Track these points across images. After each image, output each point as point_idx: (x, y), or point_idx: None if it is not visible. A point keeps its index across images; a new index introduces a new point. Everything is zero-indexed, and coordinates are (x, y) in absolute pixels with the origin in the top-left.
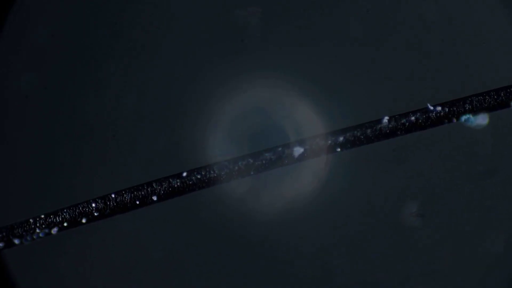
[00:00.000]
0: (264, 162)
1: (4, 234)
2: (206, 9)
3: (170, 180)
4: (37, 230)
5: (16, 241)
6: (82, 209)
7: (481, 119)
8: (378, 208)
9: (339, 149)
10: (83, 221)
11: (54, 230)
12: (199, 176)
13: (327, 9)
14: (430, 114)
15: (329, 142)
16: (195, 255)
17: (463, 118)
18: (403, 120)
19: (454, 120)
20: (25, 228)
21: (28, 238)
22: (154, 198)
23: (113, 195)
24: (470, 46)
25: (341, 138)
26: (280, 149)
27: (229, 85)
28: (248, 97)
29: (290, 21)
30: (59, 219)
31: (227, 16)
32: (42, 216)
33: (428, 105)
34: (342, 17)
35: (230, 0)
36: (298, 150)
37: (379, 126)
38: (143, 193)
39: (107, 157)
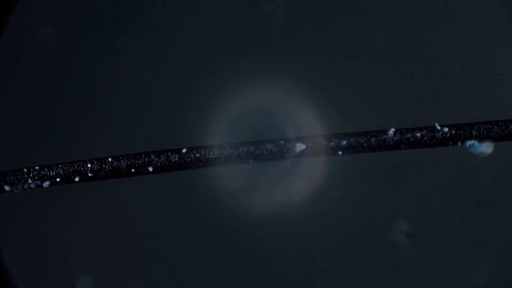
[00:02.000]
0: (264, 152)
1: None
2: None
3: (169, 154)
4: (29, 181)
5: (7, 188)
6: (77, 167)
7: (486, 147)
8: (368, 220)
9: (340, 153)
10: (76, 179)
11: (46, 184)
12: (198, 155)
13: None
14: (436, 134)
15: (332, 143)
16: (179, 234)
17: (468, 143)
18: (409, 135)
19: (459, 143)
20: (18, 177)
21: (19, 187)
22: (150, 169)
23: (110, 159)
24: (488, 74)
25: (344, 142)
26: (282, 142)
27: (241, 82)
28: (255, 98)
29: (308, 27)
30: (52, 173)
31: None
32: (37, 167)
33: (436, 124)
34: (365, 28)
35: None
36: (299, 146)
37: (384, 136)
38: (140, 162)
39: (112, 123)
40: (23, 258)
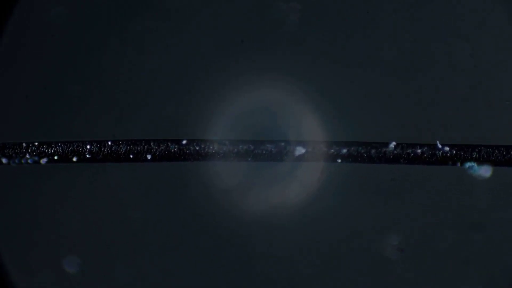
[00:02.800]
0: (264, 152)
1: None
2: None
3: (169, 144)
4: (27, 156)
5: (4, 160)
6: (76, 147)
7: (484, 171)
8: (360, 231)
9: (339, 161)
10: (74, 159)
11: (43, 160)
12: (197, 148)
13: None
14: (437, 152)
15: (332, 151)
16: (170, 223)
17: (468, 164)
18: (409, 150)
19: (459, 164)
20: (16, 151)
21: (16, 161)
22: (148, 156)
23: (109, 143)
24: (496, 97)
25: (344, 150)
26: (282, 144)
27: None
28: (259, 98)
29: (320, 34)
30: (51, 150)
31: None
32: (36, 143)
33: (438, 142)
34: (377, 40)
35: None
36: (299, 150)
37: (385, 149)
38: (139, 148)
39: (116, 108)
40: (11, 232)
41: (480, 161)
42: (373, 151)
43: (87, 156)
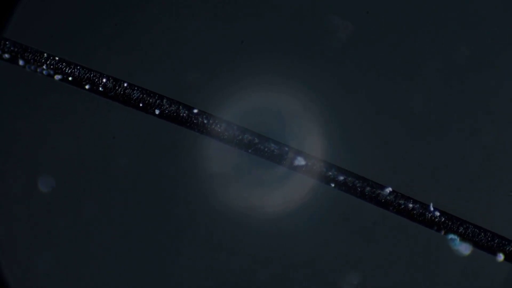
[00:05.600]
0: (266, 149)
1: (16, 50)
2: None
3: (181, 107)
4: (44, 67)
5: (21, 62)
6: (93, 76)
7: (464, 248)
8: (323, 261)
9: (333, 185)
10: (86, 87)
11: (57, 77)
12: (205, 121)
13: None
14: (427, 213)
15: (330, 173)
16: (153, 181)
17: (451, 236)
18: (401, 201)
19: (442, 232)
20: (36, 58)
21: (32, 67)
22: (157, 111)
23: (125, 84)
24: (501, 186)
25: (341, 177)
26: (286, 148)
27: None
28: (261, 105)
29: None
30: (68, 70)
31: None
32: (57, 58)
33: (431, 204)
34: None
35: None
36: (299, 161)
37: (379, 191)
38: (151, 100)
39: (142, 55)
40: None
41: (464, 237)
42: (367, 188)
43: (100, 89)
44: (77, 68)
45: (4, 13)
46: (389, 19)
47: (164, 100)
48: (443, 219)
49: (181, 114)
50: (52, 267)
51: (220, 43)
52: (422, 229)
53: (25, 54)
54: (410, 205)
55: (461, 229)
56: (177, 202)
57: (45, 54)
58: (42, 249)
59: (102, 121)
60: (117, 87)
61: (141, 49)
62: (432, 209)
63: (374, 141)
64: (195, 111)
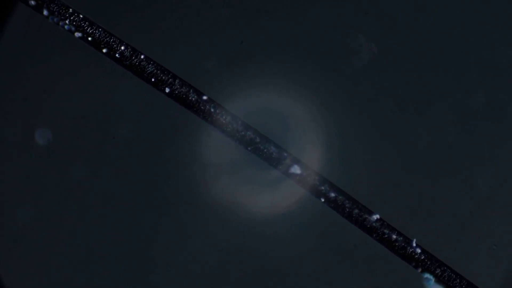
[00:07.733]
0: (265, 150)
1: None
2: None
3: (191, 90)
4: (67, 22)
5: (45, 13)
6: (112, 42)
7: None
8: (293, 273)
9: (323, 200)
10: (104, 50)
11: (77, 34)
12: (212, 110)
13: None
14: (408, 248)
15: (322, 188)
16: (147, 158)
17: (426, 275)
18: (386, 231)
19: (419, 270)
20: (61, 11)
21: (55, 19)
22: (167, 90)
23: (142, 56)
24: (487, 240)
25: (332, 194)
26: (285, 154)
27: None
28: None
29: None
30: (89, 30)
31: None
32: (81, 16)
33: (414, 240)
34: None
35: None
36: (295, 169)
37: (366, 216)
38: (164, 77)
39: (166, 30)
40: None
41: (439, 279)
42: (356, 211)
43: (117, 55)
44: (98, 30)
45: None
46: (411, 51)
47: (177, 81)
48: (423, 257)
49: (190, 98)
50: (33, 220)
51: (253, 38)
52: (399, 263)
53: (51, 5)
54: (394, 236)
55: (438, 271)
56: (164, 182)
57: (71, 9)
58: (24, 202)
59: (110, 87)
60: (133, 57)
61: (168, 28)
62: (414, 245)
63: (373, 166)
64: (205, 97)
